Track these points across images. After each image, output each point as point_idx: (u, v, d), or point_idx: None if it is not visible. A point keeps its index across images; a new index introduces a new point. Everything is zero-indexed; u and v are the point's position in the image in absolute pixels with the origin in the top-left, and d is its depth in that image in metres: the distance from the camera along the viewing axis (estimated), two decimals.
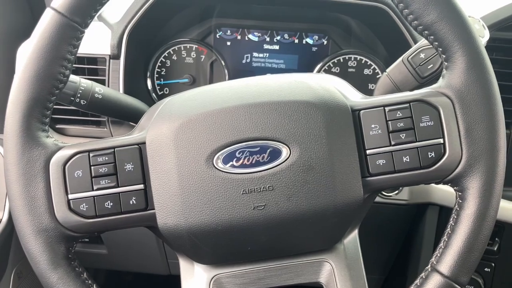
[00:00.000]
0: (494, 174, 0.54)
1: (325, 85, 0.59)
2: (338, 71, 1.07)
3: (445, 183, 0.57)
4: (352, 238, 0.63)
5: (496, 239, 0.95)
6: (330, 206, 0.55)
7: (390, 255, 1.18)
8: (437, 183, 0.57)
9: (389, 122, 0.56)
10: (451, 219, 0.56)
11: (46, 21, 0.55)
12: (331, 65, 1.07)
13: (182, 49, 1.07)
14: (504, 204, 0.88)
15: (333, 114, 0.56)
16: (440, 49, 0.56)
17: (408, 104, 0.57)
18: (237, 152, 0.55)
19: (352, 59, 1.06)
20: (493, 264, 0.98)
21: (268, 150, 0.55)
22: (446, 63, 0.56)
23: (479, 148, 0.54)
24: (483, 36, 0.70)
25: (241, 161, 0.55)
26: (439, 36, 0.55)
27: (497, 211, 0.55)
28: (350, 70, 1.06)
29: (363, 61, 1.05)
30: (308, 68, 1.07)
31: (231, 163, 0.55)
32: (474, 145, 0.55)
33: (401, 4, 0.55)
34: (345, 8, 0.97)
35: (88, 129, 0.99)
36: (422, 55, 0.70)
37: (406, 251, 1.13)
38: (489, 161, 0.54)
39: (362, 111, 0.57)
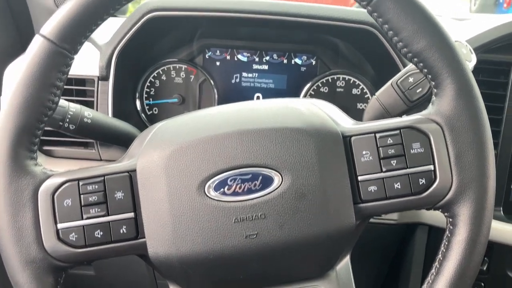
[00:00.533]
0: (484, 200, 0.55)
1: (316, 111, 0.59)
2: (326, 90, 1.07)
3: (436, 209, 0.57)
4: (344, 264, 0.63)
5: (485, 258, 0.96)
6: (323, 234, 0.55)
7: (379, 274, 1.18)
8: (428, 209, 0.58)
9: (380, 148, 0.57)
10: (442, 245, 0.56)
11: (35, 48, 0.54)
12: (320, 85, 1.07)
13: (172, 69, 1.07)
14: (492, 223, 0.89)
15: (325, 141, 0.56)
16: (430, 76, 0.56)
17: (398, 131, 0.57)
18: (228, 180, 0.55)
19: (341, 79, 1.06)
20: (482, 284, 0.99)
21: (260, 178, 0.55)
22: (435, 90, 0.57)
23: (469, 175, 0.55)
24: (470, 61, 0.71)
25: (232, 188, 0.55)
26: (428, 64, 0.55)
27: (487, 238, 0.55)
28: (338, 90, 1.07)
29: (351, 81, 1.06)
30: (297, 88, 1.08)
31: (222, 190, 0.54)
32: (464, 172, 0.55)
33: (391, 32, 0.56)
34: (333, 30, 0.98)
35: (76, 151, 0.98)
36: (411, 79, 0.71)
37: (395, 271, 1.13)
38: (479, 188, 0.55)
39: (353, 138, 0.58)
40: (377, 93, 0.75)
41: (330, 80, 1.07)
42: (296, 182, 0.55)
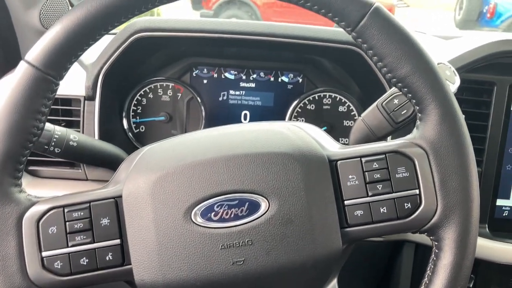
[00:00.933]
0: (469, 224, 0.55)
1: (302, 135, 0.60)
2: (313, 108, 1.08)
3: (422, 232, 0.58)
4: (332, 287, 0.63)
5: (472, 276, 0.97)
6: (310, 259, 0.55)
7: None
8: (413, 232, 0.58)
9: (366, 173, 0.57)
10: (428, 268, 0.57)
11: (20, 75, 0.54)
12: (307, 102, 1.08)
13: (159, 87, 1.07)
14: (478, 241, 0.90)
15: (311, 165, 0.57)
16: (414, 100, 0.57)
17: (384, 155, 0.58)
18: (215, 206, 0.55)
19: (327, 96, 1.07)
20: None
21: (247, 203, 0.55)
22: (419, 115, 0.58)
23: (454, 199, 0.55)
24: (454, 82, 0.72)
25: (219, 215, 0.54)
26: (412, 89, 0.56)
27: (472, 261, 0.56)
28: (325, 107, 1.08)
29: (337, 99, 1.07)
30: (284, 105, 1.09)
31: (209, 217, 0.54)
32: (449, 197, 0.56)
33: (375, 57, 0.56)
34: (318, 50, 0.99)
35: (62, 171, 0.97)
36: (395, 101, 0.72)
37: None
38: (464, 212, 0.55)
39: (339, 162, 0.58)
40: (363, 115, 0.76)
41: (316, 98, 1.08)
42: (282, 207, 0.55)
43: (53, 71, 0.55)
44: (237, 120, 1.09)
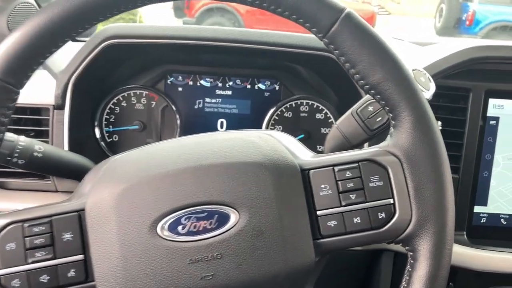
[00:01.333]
0: (444, 234, 0.54)
1: (273, 144, 0.58)
2: (290, 115, 1.07)
3: (397, 243, 0.56)
4: None
5: (450, 284, 0.96)
6: (282, 272, 0.53)
7: None
8: (388, 243, 0.57)
9: (339, 182, 0.56)
10: (404, 279, 0.55)
11: None
12: (284, 110, 1.06)
13: (132, 95, 1.04)
14: (456, 248, 0.89)
15: (283, 175, 0.55)
16: (387, 108, 0.56)
17: (357, 164, 0.56)
18: (182, 219, 0.53)
19: (304, 104, 1.06)
20: None
21: (216, 216, 0.53)
22: (393, 122, 0.56)
23: (428, 209, 0.54)
24: (428, 89, 0.71)
25: (187, 228, 0.52)
26: (385, 96, 0.55)
27: (448, 271, 0.55)
28: (302, 114, 1.07)
29: (314, 106, 1.06)
30: (261, 113, 1.07)
31: (176, 230, 0.52)
32: (423, 206, 0.54)
33: (348, 64, 0.55)
34: (293, 57, 0.97)
35: (30, 182, 0.94)
36: (370, 108, 0.71)
37: None
38: (439, 221, 0.54)
39: (311, 171, 0.56)
40: (338, 122, 0.75)
41: (294, 105, 1.07)
42: (253, 219, 0.53)
43: (13, 79, 0.52)
44: (213, 128, 1.07)
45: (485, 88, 0.90)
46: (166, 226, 0.52)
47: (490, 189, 0.92)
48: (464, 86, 0.91)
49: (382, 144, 0.58)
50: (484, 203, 0.92)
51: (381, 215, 0.55)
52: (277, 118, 1.07)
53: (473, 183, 0.92)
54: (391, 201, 0.55)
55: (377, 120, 0.71)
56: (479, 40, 0.92)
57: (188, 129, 1.06)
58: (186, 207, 0.53)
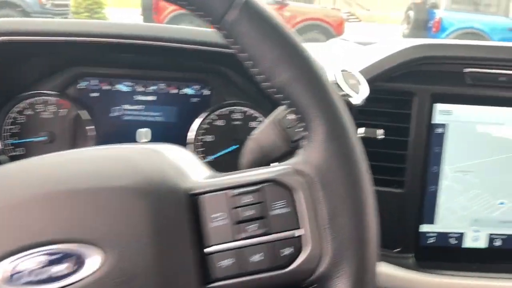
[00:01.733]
0: (365, 273, 0.43)
1: (156, 162, 0.46)
2: (223, 123, 0.96)
3: (308, 286, 0.45)
4: None
5: None
6: None
7: None
8: (296, 287, 0.45)
9: (234, 210, 0.44)
10: None
11: None
12: (215, 117, 0.95)
13: (38, 102, 0.91)
14: (405, 274, 0.79)
15: (163, 203, 0.43)
16: (299, 115, 0.45)
17: (259, 186, 0.45)
18: (29, 262, 0.40)
19: (237, 111, 0.95)
20: None
21: (74, 257, 0.41)
22: (304, 133, 0.45)
23: (345, 241, 0.43)
24: (357, 92, 0.60)
25: (32, 275, 0.40)
26: (293, 101, 0.44)
27: None
28: (235, 122, 0.95)
29: (248, 113, 0.95)
30: (189, 121, 0.95)
31: (17, 278, 0.40)
32: (338, 237, 0.43)
33: (250, 62, 0.44)
34: (222, 59, 0.86)
35: None
36: (289, 116, 0.60)
37: None
38: (358, 256, 0.43)
39: (201, 196, 0.45)
40: (254, 133, 0.63)
41: (227, 113, 0.95)
42: (123, 260, 0.41)
43: None
44: (132, 139, 0.94)
45: (431, 91, 0.80)
46: (9, 271, 0.40)
47: (438, 205, 0.81)
48: (408, 89, 0.80)
49: (291, 160, 0.47)
50: (431, 221, 0.82)
51: (286, 251, 0.44)
52: (208, 126, 0.95)
53: (420, 199, 0.82)
54: (299, 232, 0.44)
55: (299, 130, 0.60)
56: (423, 39, 0.82)
57: (104, 140, 0.94)
58: (35, 247, 0.40)
